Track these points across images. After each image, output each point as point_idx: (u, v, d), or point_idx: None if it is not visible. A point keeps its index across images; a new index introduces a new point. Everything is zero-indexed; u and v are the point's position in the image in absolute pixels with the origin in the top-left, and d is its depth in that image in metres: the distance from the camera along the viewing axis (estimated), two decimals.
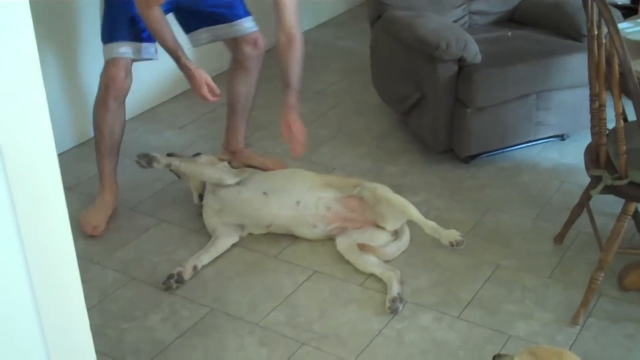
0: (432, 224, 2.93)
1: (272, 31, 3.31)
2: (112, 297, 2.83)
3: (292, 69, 3.24)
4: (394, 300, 2.72)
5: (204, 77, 3.14)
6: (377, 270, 2.89)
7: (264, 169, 3.55)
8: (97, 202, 3.27)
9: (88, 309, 1.64)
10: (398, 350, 2.54)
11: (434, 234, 2.92)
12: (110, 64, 3.14)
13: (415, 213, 2.97)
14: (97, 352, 1.73)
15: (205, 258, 2.98)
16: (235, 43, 3.41)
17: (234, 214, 3.11)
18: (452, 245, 2.86)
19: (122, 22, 3.14)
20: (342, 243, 3.01)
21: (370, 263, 2.92)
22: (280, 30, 3.24)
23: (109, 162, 3.28)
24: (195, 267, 2.92)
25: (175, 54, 3.09)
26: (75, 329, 1.62)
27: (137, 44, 3.17)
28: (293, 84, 3.24)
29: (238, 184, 3.15)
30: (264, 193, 3.08)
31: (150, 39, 3.18)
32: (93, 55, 3.45)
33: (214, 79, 3.23)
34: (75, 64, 3.84)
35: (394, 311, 2.70)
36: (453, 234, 2.88)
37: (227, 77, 3.52)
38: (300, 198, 3.07)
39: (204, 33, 3.36)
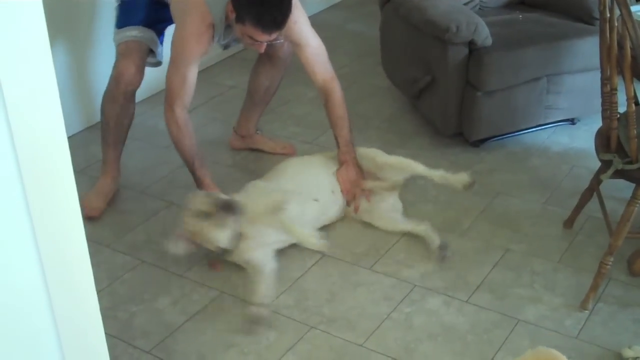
0: (439, 172, 3.02)
1: None
2: (122, 280, 2.84)
3: (337, 125, 3.18)
4: (441, 248, 2.85)
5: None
6: (409, 226, 3.00)
7: (273, 154, 3.56)
8: (98, 185, 3.28)
9: (98, 292, 1.65)
10: (406, 333, 2.54)
11: (444, 182, 3.02)
12: (121, 55, 3.14)
13: (421, 168, 3.06)
14: (107, 334, 1.74)
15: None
16: None
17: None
18: (466, 189, 2.96)
19: (139, 8, 3.14)
20: (363, 211, 3.10)
21: (399, 221, 3.04)
22: (316, 86, 3.24)
23: (114, 150, 3.28)
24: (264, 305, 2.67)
25: (191, 166, 3.07)
26: (85, 311, 1.63)
27: (151, 32, 3.17)
28: (342, 140, 3.16)
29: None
30: (315, 200, 3.01)
31: (158, 30, 3.18)
32: (102, 38, 3.46)
33: (226, 61, 3.20)
34: (84, 48, 3.84)
35: (443, 259, 2.84)
36: (463, 178, 2.97)
37: (253, 66, 3.49)
38: (333, 187, 3.08)
39: None
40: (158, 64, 3.32)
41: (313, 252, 2.94)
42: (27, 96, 1.35)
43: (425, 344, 2.49)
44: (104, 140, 3.27)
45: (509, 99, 3.46)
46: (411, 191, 3.30)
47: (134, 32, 3.14)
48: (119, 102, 3.17)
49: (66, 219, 1.50)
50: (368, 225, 3.09)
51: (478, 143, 3.61)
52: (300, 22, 3.05)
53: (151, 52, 3.23)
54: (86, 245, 1.56)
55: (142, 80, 3.20)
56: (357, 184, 3.10)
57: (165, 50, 3.16)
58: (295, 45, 3.12)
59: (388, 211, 3.10)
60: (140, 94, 4.12)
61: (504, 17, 3.69)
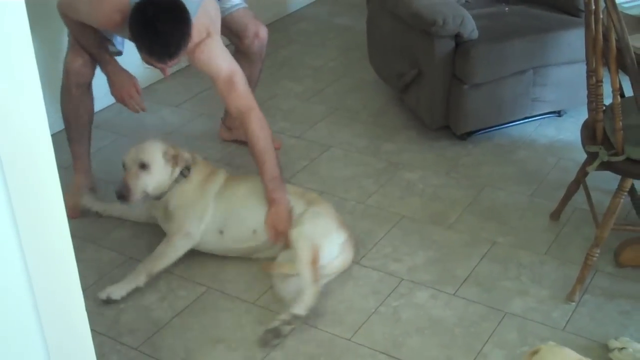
0: (308, 300, 2.56)
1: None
2: (109, 277, 2.83)
3: (258, 160, 2.90)
4: (268, 332, 2.50)
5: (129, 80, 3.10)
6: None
7: None
8: (72, 185, 3.23)
9: (84, 289, 1.64)
10: (394, 327, 2.54)
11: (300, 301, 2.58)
12: (70, 47, 3.12)
13: (305, 275, 2.60)
14: (94, 331, 1.73)
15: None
16: (237, 38, 3.37)
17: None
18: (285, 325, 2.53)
19: None
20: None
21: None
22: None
23: (79, 146, 3.25)
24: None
25: (98, 57, 3.05)
26: (71, 308, 1.62)
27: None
28: (267, 177, 2.85)
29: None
30: (220, 232, 2.85)
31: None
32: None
33: None
34: (65, 45, 3.80)
35: (264, 344, 2.48)
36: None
37: None
38: (256, 226, 2.82)
39: None
40: (118, 53, 3.24)
41: None
42: (10, 93, 1.34)
43: (413, 338, 2.50)
44: (68, 137, 3.24)
45: (496, 91, 3.47)
46: (397, 184, 3.31)
47: None
48: (73, 95, 3.12)
49: (50, 216, 1.49)
50: (356, 219, 3.09)
51: (465, 136, 3.61)
52: (207, 52, 2.94)
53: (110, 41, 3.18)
54: (71, 242, 1.54)
55: (94, 72, 3.15)
56: (286, 228, 2.76)
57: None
58: (210, 78, 3.02)
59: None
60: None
61: (490, 10, 3.69)
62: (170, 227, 2.87)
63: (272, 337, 2.48)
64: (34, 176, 1.43)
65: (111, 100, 4.03)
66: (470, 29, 3.33)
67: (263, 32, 3.42)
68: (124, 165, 2.87)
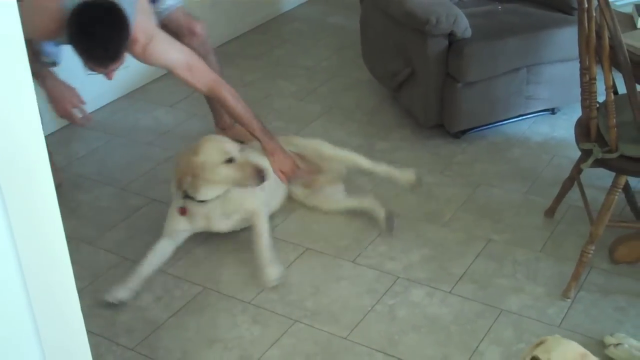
0: (383, 167, 3.15)
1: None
2: (104, 278, 2.83)
3: (243, 123, 3.07)
4: (388, 219, 2.95)
5: None
6: (354, 203, 3.10)
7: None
8: None
9: (80, 290, 1.64)
10: (390, 325, 2.55)
11: (388, 177, 3.15)
12: None
13: (365, 162, 3.18)
14: (90, 332, 1.73)
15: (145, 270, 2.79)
16: (176, 38, 3.32)
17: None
18: (413, 188, 3.09)
19: None
20: (300, 193, 3.19)
21: (343, 200, 3.14)
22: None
23: None
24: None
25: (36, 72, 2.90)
26: (66, 310, 1.61)
27: None
28: (257, 133, 3.04)
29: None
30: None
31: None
32: None
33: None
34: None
35: (391, 230, 2.93)
36: (409, 176, 3.11)
37: None
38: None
39: None
40: (53, 64, 3.20)
41: (295, 246, 2.95)
42: (3, 95, 1.34)
43: (409, 336, 2.50)
44: None
45: (489, 90, 3.47)
46: (392, 183, 3.30)
47: None
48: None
49: (45, 216, 1.49)
50: (350, 218, 3.09)
51: (459, 134, 3.62)
52: (158, 51, 2.93)
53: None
54: (65, 243, 1.54)
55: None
56: (292, 167, 3.04)
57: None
58: (169, 71, 3.03)
59: (331, 194, 3.16)
60: (120, 91, 4.12)
61: (483, 9, 3.69)
62: (246, 208, 2.91)
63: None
64: (28, 177, 1.43)
65: (104, 101, 4.05)
66: (464, 27, 3.33)
67: (199, 29, 3.41)
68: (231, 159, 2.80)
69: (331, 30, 5.01)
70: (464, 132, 3.62)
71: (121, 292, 2.69)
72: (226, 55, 4.62)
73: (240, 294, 2.72)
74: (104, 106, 4.01)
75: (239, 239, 3.00)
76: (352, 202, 3.11)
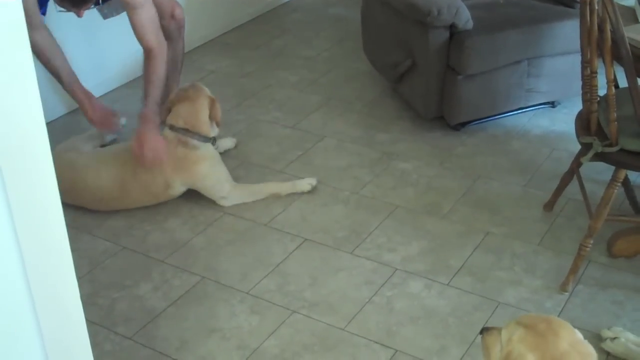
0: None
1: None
2: (103, 266, 2.83)
3: (151, 81, 3.13)
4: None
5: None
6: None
7: None
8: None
9: (78, 279, 1.63)
10: (388, 317, 2.55)
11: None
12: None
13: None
14: (88, 321, 1.73)
15: None
16: None
17: None
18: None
19: None
20: None
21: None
22: (142, 47, 3.19)
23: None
24: None
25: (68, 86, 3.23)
26: (65, 298, 1.61)
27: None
28: (152, 99, 3.12)
29: None
30: None
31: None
32: (82, 21, 3.41)
33: (207, 45, 3.19)
34: (63, 30, 3.79)
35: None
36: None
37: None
38: None
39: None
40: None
41: (294, 237, 2.95)
42: (4, 81, 1.33)
43: (407, 327, 2.50)
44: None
45: (490, 82, 3.47)
46: (391, 175, 3.31)
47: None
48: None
49: (45, 205, 1.49)
50: (350, 209, 3.09)
51: (459, 126, 3.62)
52: None
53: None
54: (66, 232, 1.54)
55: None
56: (152, 147, 3.03)
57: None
58: (128, 7, 3.05)
59: None
60: (121, 79, 4.12)
61: (484, 1, 3.68)
62: None
63: None
64: (29, 165, 1.43)
65: (105, 89, 4.05)
66: (465, 19, 3.32)
67: (178, 12, 3.48)
68: None
69: (332, 21, 5.00)
70: (464, 124, 3.62)
71: None
72: (226, 45, 4.62)
73: (239, 284, 2.72)
74: (105, 94, 4.00)
75: (238, 228, 3.01)
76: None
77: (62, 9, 2.95)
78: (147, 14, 3.07)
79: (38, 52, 3.14)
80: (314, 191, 3.22)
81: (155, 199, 3.13)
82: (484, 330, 1.77)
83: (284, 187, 3.21)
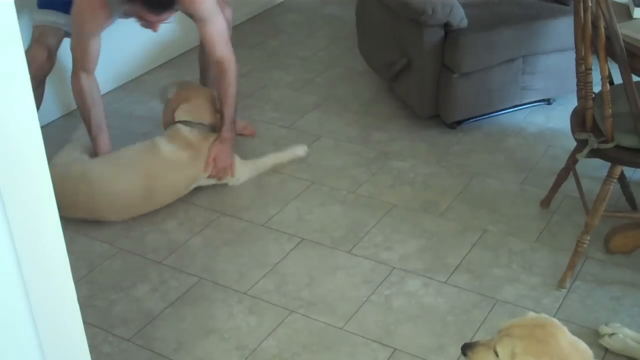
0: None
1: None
2: (100, 269, 2.83)
3: (226, 102, 3.21)
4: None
5: None
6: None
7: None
8: None
9: (76, 281, 1.63)
10: (386, 316, 2.55)
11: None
12: (35, 40, 3.15)
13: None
14: (86, 323, 1.73)
15: None
16: None
17: None
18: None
19: None
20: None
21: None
22: (213, 61, 3.27)
23: None
24: None
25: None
26: (62, 300, 1.61)
27: (69, 16, 3.14)
28: (228, 118, 3.22)
29: None
30: None
31: None
32: None
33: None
34: None
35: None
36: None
37: (200, 44, 3.45)
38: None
39: None
40: None
41: (291, 237, 2.95)
42: None
43: (405, 326, 2.51)
44: None
45: (485, 80, 3.47)
46: (388, 173, 3.31)
47: (52, 17, 3.16)
48: None
49: (41, 208, 1.49)
50: (347, 208, 3.09)
51: (455, 125, 3.62)
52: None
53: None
54: (62, 234, 1.54)
55: (54, 65, 3.25)
56: (228, 165, 3.22)
57: None
58: (198, 21, 3.10)
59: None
60: (116, 80, 4.12)
61: None
62: None
63: None
64: (24, 167, 1.43)
65: (102, 91, 4.03)
66: (460, 17, 3.33)
67: (228, 13, 3.46)
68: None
69: (327, 20, 5.00)
70: (459, 122, 3.62)
71: None
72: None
73: (237, 285, 2.72)
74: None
75: (235, 229, 3.01)
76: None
77: (140, 21, 2.94)
78: (217, 26, 3.12)
79: (82, 97, 3.17)
80: (311, 191, 3.22)
81: (177, 196, 3.15)
82: (466, 349, 1.74)
83: (282, 156, 3.39)
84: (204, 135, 3.19)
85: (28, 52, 3.12)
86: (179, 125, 3.18)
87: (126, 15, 3.06)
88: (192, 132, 3.17)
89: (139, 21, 2.96)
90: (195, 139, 3.16)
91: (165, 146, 3.11)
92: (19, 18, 1.33)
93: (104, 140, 3.26)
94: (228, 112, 3.20)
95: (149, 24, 2.97)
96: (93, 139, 3.25)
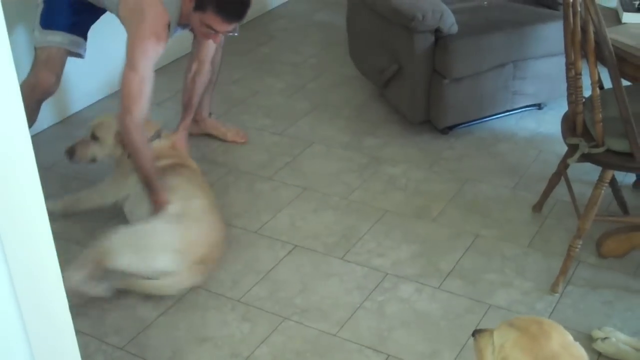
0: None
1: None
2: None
3: (196, 93, 3.35)
4: None
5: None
6: None
7: (224, 140, 3.63)
8: None
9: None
10: (380, 322, 2.55)
11: None
12: (42, 64, 3.11)
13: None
14: (79, 332, 1.73)
15: None
16: None
17: None
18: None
19: (65, 9, 3.11)
20: None
21: None
22: (195, 60, 3.32)
23: None
24: None
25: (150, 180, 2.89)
26: (54, 310, 1.61)
27: (75, 37, 3.16)
28: (193, 107, 3.35)
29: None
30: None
31: (84, 33, 3.18)
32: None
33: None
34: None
35: None
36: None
37: (192, 49, 3.45)
38: None
39: None
40: (80, 56, 3.28)
41: (284, 244, 2.95)
42: None
43: (399, 332, 2.51)
44: None
45: (476, 85, 3.48)
46: (380, 179, 3.32)
47: (57, 38, 3.11)
48: (30, 108, 3.07)
49: (31, 217, 1.48)
50: (340, 215, 3.10)
51: (446, 130, 3.63)
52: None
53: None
54: (53, 243, 1.54)
55: (57, 88, 3.22)
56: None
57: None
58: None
59: None
60: (110, 87, 4.11)
61: (469, 5, 3.70)
62: None
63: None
64: (14, 176, 1.42)
65: (91, 100, 4.04)
66: (450, 23, 3.34)
67: (217, 57, 3.49)
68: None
69: (318, 27, 5.01)
70: (451, 127, 3.63)
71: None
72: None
73: (230, 292, 2.71)
74: (91, 105, 3.99)
75: (228, 236, 3.00)
76: None
77: (206, 29, 2.92)
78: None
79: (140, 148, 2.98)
80: (303, 197, 3.22)
81: None
82: (476, 333, 1.77)
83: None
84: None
85: (33, 75, 3.10)
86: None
87: (184, 26, 3.07)
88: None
89: (199, 30, 2.94)
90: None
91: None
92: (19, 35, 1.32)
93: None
94: (194, 99, 3.35)
95: (212, 35, 2.94)
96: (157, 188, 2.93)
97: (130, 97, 2.87)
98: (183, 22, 3.02)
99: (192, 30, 3.14)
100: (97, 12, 3.16)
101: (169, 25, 2.91)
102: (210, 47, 3.29)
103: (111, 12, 3.06)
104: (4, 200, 1.41)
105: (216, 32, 2.92)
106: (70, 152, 3.09)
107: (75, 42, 3.16)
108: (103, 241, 2.69)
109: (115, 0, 2.96)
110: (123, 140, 2.96)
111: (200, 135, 3.65)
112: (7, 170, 1.40)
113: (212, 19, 2.85)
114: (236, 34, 3.04)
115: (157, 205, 2.83)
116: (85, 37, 3.22)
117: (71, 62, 3.34)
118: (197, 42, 3.31)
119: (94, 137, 3.06)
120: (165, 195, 2.85)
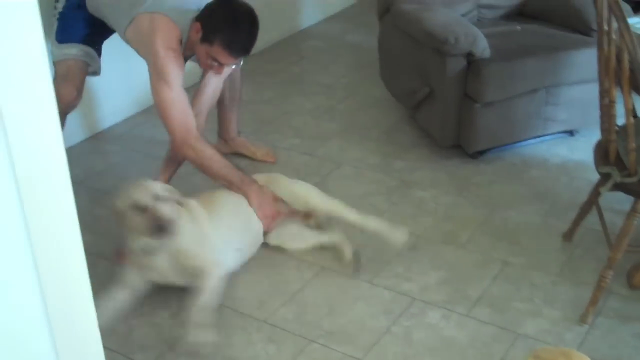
0: (374, 223, 2.94)
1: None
2: None
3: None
4: (355, 258, 2.88)
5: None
6: (322, 239, 2.99)
7: (253, 159, 3.63)
8: None
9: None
10: (406, 348, 2.53)
11: (377, 233, 2.93)
12: (62, 78, 3.14)
13: (353, 216, 2.96)
14: (106, 348, 1.72)
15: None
16: None
17: None
18: (401, 247, 2.92)
19: (80, 23, 3.16)
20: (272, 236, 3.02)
21: (310, 236, 3.01)
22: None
23: None
24: None
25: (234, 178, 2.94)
26: (83, 325, 1.61)
27: (90, 49, 3.20)
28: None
29: None
30: (238, 250, 2.92)
31: (97, 47, 3.23)
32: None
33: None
34: None
35: (358, 269, 2.85)
36: (400, 236, 2.92)
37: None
38: (257, 227, 2.98)
39: None
40: (95, 74, 3.34)
41: (311, 265, 2.94)
42: (24, 108, 1.34)
43: (425, 358, 2.48)
44: None
45: (508, 110, 3.47)
46: (409, 203, 3.30)
47: (73, 50, 3.16)
48: None
49: (64, 232, 1.49)
50: (366, 238, 3.08)
51: (477, 154, 3.61)
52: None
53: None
54: (84, 258, 1.54)
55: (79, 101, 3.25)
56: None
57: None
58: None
59: (297, 231, 3.03)
60: (137, 105, 4.15)
61: (502, 29, 3.69)
62: (194, 265, 2.68)
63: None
64: (48, 191, 1.43)
65: (122, 116, 4.07)
66: (482, 47, 3.33)
67: (237, 83, 3.57)
68: (135, 205, 2.60)
69: (349, 48, 5.03)
70: (481, 152, 3.61)
71: None
72: (244, 72, 4.63)
73: (256, 312, 2.71)
74: (122, 121, 4.03)
75: (255, 256, 3.00)
76: (321, 238, 3.01)
77: (211, 61, 2.93)
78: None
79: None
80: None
81: None
82: None
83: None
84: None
85: (56, 90, 3.13)
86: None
87: (189, 57, 3.07)
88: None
89: (204, 62, 2.94)
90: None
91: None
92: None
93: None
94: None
95: (216, 67, 2.95)
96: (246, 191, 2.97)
97: (182, 130, 2.91)
98: (188, 53, 3.03)
99: (195, 60, 3.12)
100: (109, 28, 3.20)
101: (181, 41, 2.93)
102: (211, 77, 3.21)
103: (118, 33, 3.11)
104: (39, 215, 1.42)
105: (220, 64, 2.93)
106: (160, 224, 2.56)
107: (90, 55, 3.21)
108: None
109: (123, 22, 2.99)
110: (187, 158, 2.98)
111: (229, 154, 3.66)
112: (43, 184, 1.41)
113: (219, 52, 2.86)
114: (241, 64, 3.03)
115: (247, 193, 2.92)
116: (99, 52, 3.27)
117: (102, 79, 3.39)
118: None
119: (158, 198, 2.63)
120: (254, 180, 2.97)
